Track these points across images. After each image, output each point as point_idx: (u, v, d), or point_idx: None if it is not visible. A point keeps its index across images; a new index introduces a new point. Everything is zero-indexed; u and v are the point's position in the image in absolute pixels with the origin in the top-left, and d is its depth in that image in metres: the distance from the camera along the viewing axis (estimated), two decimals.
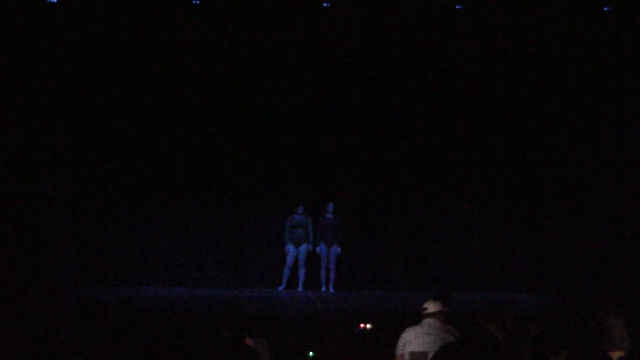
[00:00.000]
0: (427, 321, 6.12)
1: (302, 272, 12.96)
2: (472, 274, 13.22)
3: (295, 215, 12.91)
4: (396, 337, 6.21)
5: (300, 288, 12.93)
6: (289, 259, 12.93)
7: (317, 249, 12.98)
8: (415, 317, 6.33)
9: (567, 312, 7.64)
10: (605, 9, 11.71)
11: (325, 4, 11.95)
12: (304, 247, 12.91)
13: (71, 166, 12.68)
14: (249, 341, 5.72)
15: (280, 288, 12.90)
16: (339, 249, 12.97)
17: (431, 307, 6.18)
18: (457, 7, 11.85)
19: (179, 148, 13.14)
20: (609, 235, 11.66)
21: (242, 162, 13.28)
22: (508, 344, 5.37)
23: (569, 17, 11.99)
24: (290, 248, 12.90)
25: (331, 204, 12.94)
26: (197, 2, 11.84)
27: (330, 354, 7.22)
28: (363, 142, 13.30)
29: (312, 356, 6.89)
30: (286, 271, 12.97)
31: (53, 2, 11.54)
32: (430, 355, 5.76)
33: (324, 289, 12.96)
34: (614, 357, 4.76)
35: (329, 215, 12.95)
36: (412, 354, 5.99)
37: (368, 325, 6.69)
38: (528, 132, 13.14)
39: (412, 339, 6.06)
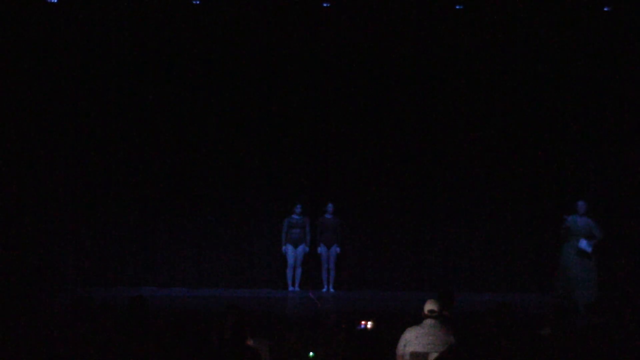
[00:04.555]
0: (428, 322, 6.12)
1: (298, 272, 12.97)
2: (472, 274, 13.21)
3: (293, 216, 12.91)
4: (397, 337, 6.21)
5: (297, 287, 12.94)
6: (290, 259, 12.93)
7: (318, 249, 12.99)
8: (416, 318, 6.34)
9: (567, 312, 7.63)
10: (605, 9, 11.71)
11: (325, 4, 11.96)
12: (301, 248, 12.92)
13: (71, 166, 12.68)
14: (249, 341, 5.73)
15: (291, 289, 12.90)
16: (338, 249, 12.98)
17: (431, 307, 6.18)
18: (457, 7, 11.85)
19: (179, 148, 13.13)
20: (609, 235, 11.65)
21: (243, 162, 13.27)
22: (509, 345, 5.37)
23: (569, 17, 11.99)
24: (289, 248, 12.91)
25: (330, 205, 12.94)
26: (197, 2, 11.84)
27: (330, 354, 7.21)
28: (363, 143, 13.29)
29: (312, 356, 6.89)
30: (289, 272, 12.97)
31: (53, 2, 11.54)
32: (431, 355, 5.77)
33: (325, 289, 12.97)
34: None
35: (329, 216, 12.96)
36: (413, 354, 6.00)
37: (369, 323, 6.68)
38: (528, 132, 13.13)
39: (413, 339, 6.07)
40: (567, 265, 11.32)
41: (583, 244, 11.23)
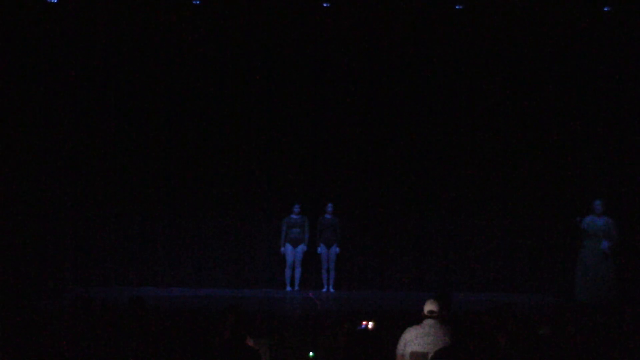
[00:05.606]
0: (428, 322, 6.12)
1: (298, 272, 12.97)
2: (472, 274, 13.21)
3: (292, 215, 12.92)
4: (396, 337, 6.21)
5: (296, 287, 12.94)
6: (289, 259, 12.93)
7: (318, 249, 12.99)
8: (416, 317, 6.34)
9: (567, 312, 7.65)
10: (605, 9, 11.71)
11: (325, 4, 11.95)
12: (301, 247, 12.93)
13: (71, 166, 12.68)
14: (249, 341, 5.73)
15: (289, 289, 12.90)
16: (338, 249, 12.98)
17: (431, 307, 6.18)
18: (457, 7, 11.85)
19: (179, 148, 13.14)
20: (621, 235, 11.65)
21: (242, 162, 13.28)
22: (508, 345, 5.38)
23: (569, 17, 11.98)
24: (288, 248, 12.91)
25: (330, 205, 12.94)
26: (197, 2, 11.84)
27: (330, 354, 7.22)
28: (362, 142, 13.30)
29: (312, 356, 6.89)
30: (288, 272, 12.97)
31: (53, 2, 11.54)
32: (431, 355, 5.77)
33: (325, 289, 12.97)
34: None
35: (328, 216, 12.96)
36: (413, 354, 6.00)
37: (370, 323, 6.68)
38: (528, 132, 13.13)
39: (413, 339, 6.07)
40: (586, 266, 11.32)
41: (604, 245, 11.24)
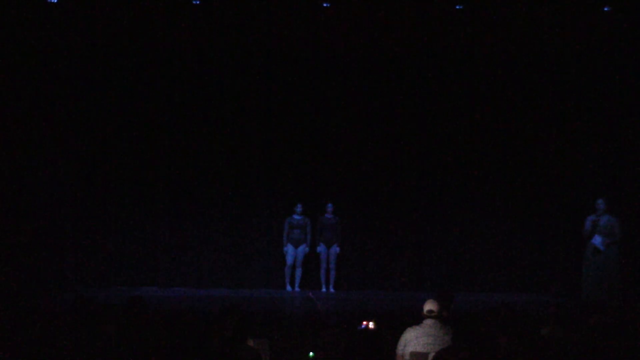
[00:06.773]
0: (428, 322, 6.13)
1: (298, 272, 12.97)
2: (472, 274, 13.22)
3: (294, 216, 12.91)
4: (397, 337, 6.21)
5: (297, 288, 12.94)
6: (289, 259, 12.93)
7: (317, 249, 12.99)
8: (416, 318, 6.34)
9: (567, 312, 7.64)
10: (605, 9, 11.71)
11: (325, 4, 11.95)
12: (302, 248, 12.92)
13: (72, 166, 12.68)
14: (249, 341, 5.73)
15: (289, 289, 12.89)
16: (338, 249, 12.98)
17: (430, 307, 6.18)
18: (457, 7, 11.85)
19: (179, 148, 13.14)
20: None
21: (242, 162, 13.28)
22: (509, 344, 5.37)
23: (569, 17, 11.98)
24: (290, 248, 12.90)
25: (330, 205, 12.94)
26: (197, 2, 11.84)
27: (330, 353, 7.22)
28: (363, 142, 13.30)
29: (312, 356, 6.89)
30: (287, 271, 12.98)
31: (53, 2, 11.54)
32: (431, 355, 5.77)
33: (324, 289, 12.97)
34: None
35: (328, 216, 12.96)
36: (413, 354, 6.00)
37: (371, 323, 6.69)
38: (528, 132, 13.14)
39: (413, 339, 6.07)
40: (589, 265, 11.34)
41: (597, 241, 11.23)
